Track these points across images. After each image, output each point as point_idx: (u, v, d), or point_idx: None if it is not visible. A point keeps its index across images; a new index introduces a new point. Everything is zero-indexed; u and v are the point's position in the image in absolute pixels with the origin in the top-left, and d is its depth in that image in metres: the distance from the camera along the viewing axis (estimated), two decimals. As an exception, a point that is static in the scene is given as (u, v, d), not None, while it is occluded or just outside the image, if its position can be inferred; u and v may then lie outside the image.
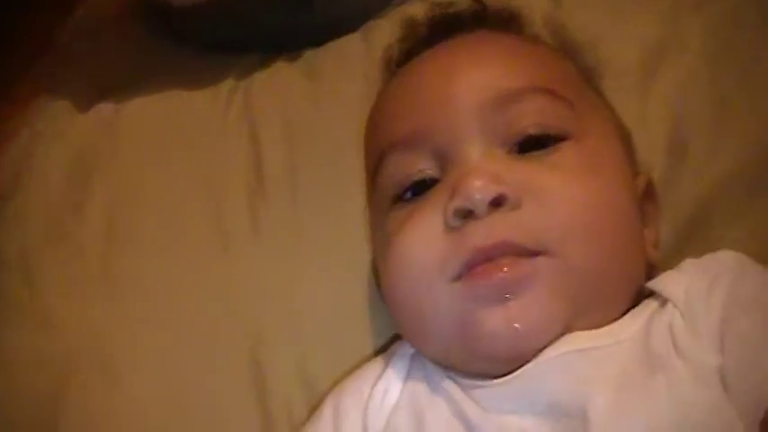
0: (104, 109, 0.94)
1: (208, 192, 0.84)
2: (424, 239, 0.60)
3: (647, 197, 0.67)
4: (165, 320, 0.78)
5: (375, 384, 0.65)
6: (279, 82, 0.92)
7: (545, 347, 0.57)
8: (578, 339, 0.57)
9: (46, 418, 0.75)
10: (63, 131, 0.93)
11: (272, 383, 0.74)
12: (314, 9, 0.95)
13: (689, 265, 0.62)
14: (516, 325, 0.56)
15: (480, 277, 0.57)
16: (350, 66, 0.89)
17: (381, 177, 0.67)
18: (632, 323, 0.59)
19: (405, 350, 0.67)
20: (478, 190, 0.57)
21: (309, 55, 0.94)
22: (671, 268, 0.63)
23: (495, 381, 0.58)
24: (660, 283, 0.60)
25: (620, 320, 0.59)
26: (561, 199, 0.58)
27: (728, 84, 0.73)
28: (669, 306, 0.58)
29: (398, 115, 0.68)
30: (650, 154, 0.72)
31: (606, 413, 0.52)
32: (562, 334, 0.57)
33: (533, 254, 0.57)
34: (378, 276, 0.70)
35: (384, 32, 0.88)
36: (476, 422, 0.57)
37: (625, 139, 0.70)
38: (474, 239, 0.57)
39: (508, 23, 0.76)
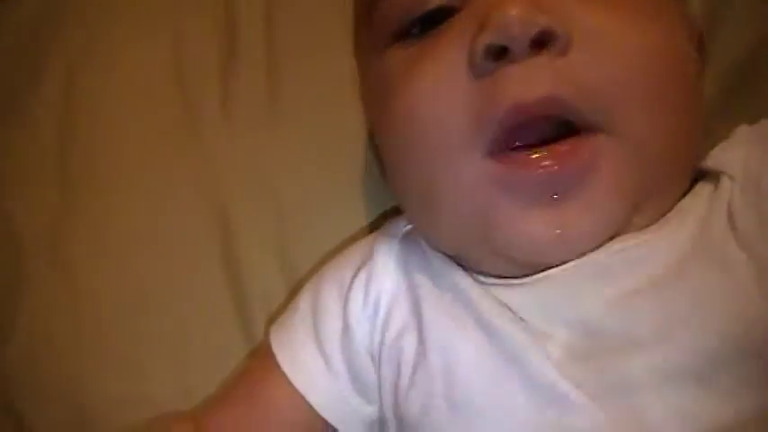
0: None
1: (176, 58, 0.75)
2: (443, 88, 0.47)
3: (697, 47, 0.55)
4: (127, 208, 0.70)
5: (358, 270, 0.56)
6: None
7: None
8: (621, 244, 0.47)
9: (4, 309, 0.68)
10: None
11: (248, 269, 0.67)
12: None
13: (745, 133, 0.51)
14: (562, 230, 0.45)
15: (529, 165, 0.45)
16: None
17: (381, 5, 0.54)
18: (681, 213, 0.48)
19: (396, 230, 0.58)
20: (518, 21, 0.44)
21: None
22: (719, 132, 0.53)
23: (518, 281, 0.48)
24: (713, 157, 0.50)
25: (668, 215, 0.49)
26: (624, 45, 0.45)
27: None
28: (725, 182, 0.48)
29: None
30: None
31: (653, 327, 0.44)
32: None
33: (589, 126, 0.45)
34: (375, 143, 0.60)
35: None
36: (497, 326, 0.47)
37: None
38: (512, 89, 0.45)
39: None
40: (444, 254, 0.53)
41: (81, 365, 0.66)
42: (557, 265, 0.47)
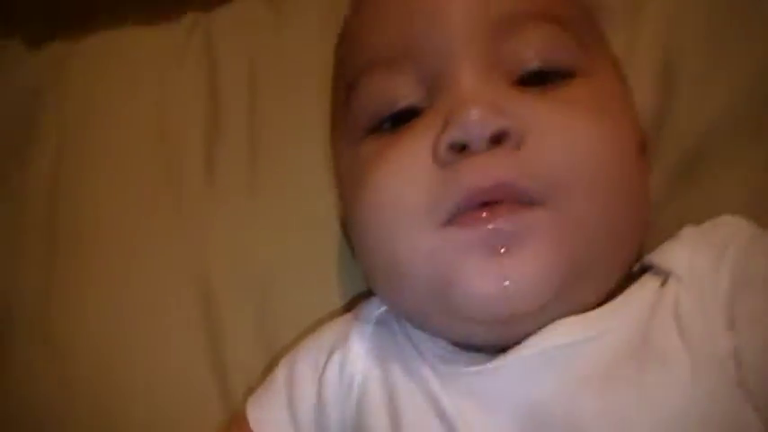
0: (57, 48, 0.88)
1: (162, 133, 0.79)
2: (409, 174, 0.52)
3: (640, 152, 0.59)
4: (110, 277, 0.73)
5: (332, 352, 0.59)
6: (239, 14, 0.85)
7: (530, 333, 0.51)
8: (566, 328, 0.50)
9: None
10: (14, 72, 0.87)
11: (229, 342, 0.70)
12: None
13: (690, 233, 0.55)
14: (507, 283, 0.48)
15: (474, 224, 0.49)
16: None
17: (356, 102, 0.58)
18: (628, 303, 0.52)
19: (369, 314, 0.61)
20: (478, 121, 0.49)
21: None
22: (664, 221, 0.57)
23: (474, 369, 0.51)
24: (660, 255, 0.54)
25: (615, 301, 0.52)
26: (570, 140, 0.50)
27: (721, 16, 0.66)
28: (672, 281, 0.51)
29: (380, 28, 0.57)
30: (639, 92, 0.64)
31: (596, 417, 0.46)
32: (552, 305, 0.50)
33: (534, 203, 0.49)
34: (345, 220, 0.64)
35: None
36: (450, 414, 0.50)
37: (624, 81, 0.62)
38: (470, 178, 0.49)
39: None
40: (411, 341, 0.57)
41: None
42: (512, 345, 0.50)
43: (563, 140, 0.50)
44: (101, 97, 0.82)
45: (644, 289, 0.52)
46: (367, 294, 0.65)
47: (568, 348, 0.49)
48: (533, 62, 0.53)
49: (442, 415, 0.51)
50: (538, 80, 0.53)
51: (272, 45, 0.80)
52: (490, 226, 0.49)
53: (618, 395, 0.47)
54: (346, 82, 0.60)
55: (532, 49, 0.53)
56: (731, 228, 0.53)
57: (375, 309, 0.61)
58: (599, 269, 0.51)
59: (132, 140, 0.79)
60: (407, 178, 0.52)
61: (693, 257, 0.51)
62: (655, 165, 0.62)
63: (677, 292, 0.50)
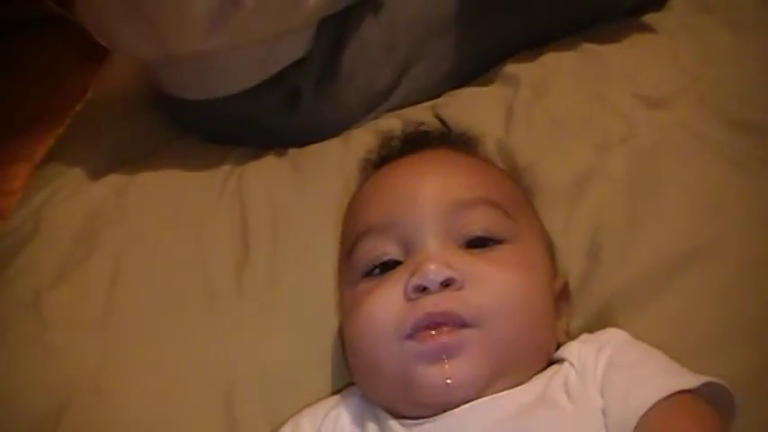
0: (116, 179, 1.10)
1: (200, 260, 0.99)
2: (387, 305, 0.74)
3: (562, 295, 0.84)
4: (151, 362, 0.91)
5: (329, 412, 0.80)
6: (268, 171, 1.09)
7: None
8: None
9: (47, 424, 0.86)
10: (77, 193, 1.09)
11: (243, 420, 0.86)
12: (301, 114, 1.13)
13: (584, 336, 0.79)
14: (448, 380, 0.71)
15: (426, 339, 0.72)
16: (331, 163, 1.06)
17: (356, 255, 0.80)
18: (537, 382, 0.75)
19: (356, 390, 0.82)
20: (433, 272, 0.72)
21: (295, 152, 1.12)
22: None
23: (428, 420, 0.73)
24: (563, 350, 0.78)
25: (530, 381, 0.75)
26: (495, 284, 0.73)
27: (640, 204, 0.90)
28: (566, 365, 0.75)
29: (374, 206, 0.82)
30: (571, 259, 0.89)
31: None
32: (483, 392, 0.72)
33: (468, 326, 0.72)
34: (342, 334, 0.85)
35: (361, 139, 1.07)
36: None
37: (550, 247, 0.87)
38: (425, 306, 0.72)
39: (467, 144, 0.95)
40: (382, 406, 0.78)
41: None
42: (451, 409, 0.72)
43: (490, 286, 0.73)
44: (152, 225, 1.04)
45: (548, 372, 0.76)
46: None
47: (492, 399, 0.72)
48: (477, 232, 0.77)
49: None
50: (480, 243, 0.77)
51: (293, 199, 1.03)
52: (436, 341, 0.71)
53: (522, 425, 0.70)
54: (350, 241, 0.84)
55: (477, 224, 0.77)
56: (612, 334, 0.78)
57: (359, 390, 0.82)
58: (516, 369, 0.74)
59: (175, 264, 0.98)
60: (385, 308, 0.75)
61: (581, 350, 0.75)
62: (577, 314, 0.85)
63: (568, 370, 0.74)
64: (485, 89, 1.13)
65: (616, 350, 0.74)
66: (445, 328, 0.72)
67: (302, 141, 1.13)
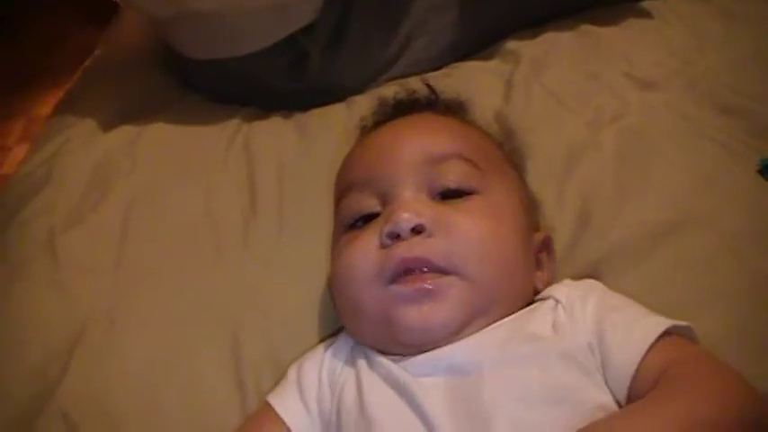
0: (126, 131, 1.15)
1: (209, 211, 1.04)
2: (365, 252, 0.79)
3: (544, 248, 0.89)
4: (161, 300, 0.95)
5: (325, 354, 0.85)
6: (274, 131, 1.14)
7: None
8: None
9: (61, 357, 0.91)
10: (89, 143, 1.14)
11: (247, 362, 0.91)
12: (309, 78, 1.18)
13: (569, 281, 0.85)
14: (426, 320, 0.76)
15: (407, 282, 0.76)
16: (334, 126, 1.10)
17: (341, 209, 0.87)
18: (520, 317, 0.80)
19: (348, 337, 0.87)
20: (404, 220, 0.77)
21: (300, 115, 1.17)
22: None
23: (414, 357, 0.78)
24: (551, 290, 0.83)
25: (513, 316, 0.80)
26: (464, 232, 0.78)
27: (629, 177, 0.96)
28: (552, 302, 0.80)
29: (358, 165, 0.88)
30: (561, 224, 0.94)
31: (493, 361, 0.74)
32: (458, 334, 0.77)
33: (446, 272, 0.77)
34: (330, 283, 0.89)
35: (363, 105, 1.12)
36: (402, 381, 0.76)
37: (527, 203, 0.90)
38: (398, 253, 0.76)
39: (452, 110, 0.99)
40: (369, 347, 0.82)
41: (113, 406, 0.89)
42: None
43: (458, 233, 0.78)
44: (163, 176, 1.08)
45: (532, 306, 0.81)
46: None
47: (476, 336, 0.77)
48: (448, 184, 0.81)
49: (393, 382, 0.76)
50: (452, 195, 0.81)
51: (298, 158, 1.08)
52: (418, 285, 0.76)
53: (506, 351, 0.75)
54: (337, 196, 0.90)
55: (448, 176, 0.82)
56: (592, 284, 0.84)
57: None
58: (491, 312, 0.78)
59: (184, 213, 1.03)
60: (363, 255, 0.80)
61: (569, 292, 0.81)
62: (565, 274, 0.90)
63: (556, 307, 0.79)
64: (485, 63, 1.18)
65: (603, 295, 0.80)
66: (428, 274, 0.77)
67: (308, 104, 1.18)
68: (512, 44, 1.19)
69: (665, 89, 1.07)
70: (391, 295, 0.77)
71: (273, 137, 1.12)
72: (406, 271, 0.77)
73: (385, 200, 0.83)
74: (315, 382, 0.83)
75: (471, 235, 0.79)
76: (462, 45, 1.21)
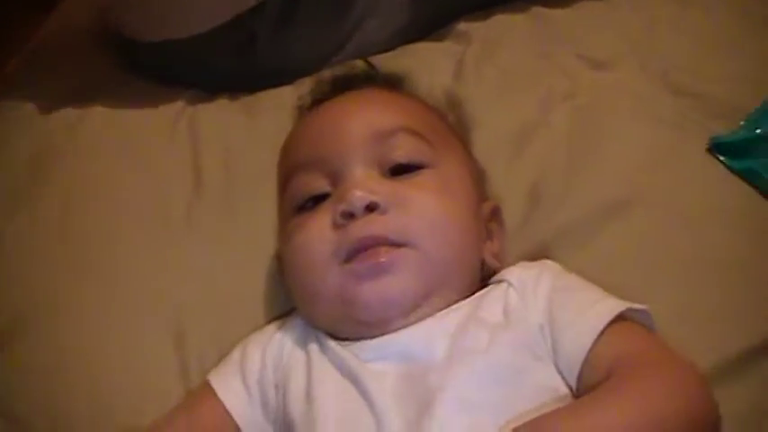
0: (67, 115, 1.12)
1: (152, 194, 1.02)
2: (318, 234, 0.78)
3: (493, 218, 0.88)
4: (105, 284, 0.94)
5: (273, 336, 0.83)
6: (220, 113, 1.12)
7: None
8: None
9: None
10: (30, 127, 1.11)
11: (191, 345, 0.89)
12: (258, 59, 1.16)
13: (523, 263, 0.84)
14: (382, 296, 0.75)
15: (363, 260, 0.75)
16: (282, 108, 1.06)
17: (288, 192, 0.84)
18: (472, 301, 0.79)
19: (299, 316, 0.85)
20: (358, 198, 0.75)
21: (247, 97, 1.14)
22: None
23: (367, 340, 0.76)
24: (504, 273, 0.81)
25: (465, 300, 0.79)
26: (418, 206, 0.77)
27: (579, 155, 0.95)
28: (505, 285, 0.79)
29: (302, 145, 0.86)
30: (513, 201, 0.93)
31: (445, 349, 0.73)
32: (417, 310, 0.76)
33: (399, 245, 0.76)
34: (280, 265, 0.88)
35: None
36: (352, 367, 0.74)
37: (475, 174, 0.89)
38: (354, 232, 0.75)
39: (393, 84, 0.97)
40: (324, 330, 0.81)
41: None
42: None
43: (412, 208, 0.77)
44: (105, 160, 1.06)
45: (485, 290, 0.80)
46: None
47: (432, 319, 0.76)
48: (398, 159, 0.80)
49: (343, 367, 0.75)
50: (402, 170, 0.80)
51: (245, 140, 1.06)
52: (372, 261, 0.75)
53: (457, 338, 0.73)
54: (283, 179, 0.87)
55: (398, 151, 0.80)
56: (547, 264, 0.82)
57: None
58: (446, 287, 0.77)
59: (128, 194, 1.01)
60: (317, 237, 0.78)
61: (522, 273, 0.79)
62: (515, 250, 0.89)
63: (508, 290, 0.78)
64: (437, 44, 1.16)
65: (556, 276, 0.79)
66: (383, 249, 0.75)
67: (256, 87, 1.15)
68: (463, 26, 1.17)
69: (616, 69, 1.06)
70: (348, 274, 0.76)
71: (220, 119, 1.10)
72: (362, 249, 0.75)
73: (335, 179, 0.81)
74: (258, 365, 0.81)
75: (425, 210, 0.78)
76: (414, 27, 1.19)
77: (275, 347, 0.82)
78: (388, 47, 1.18)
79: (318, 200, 0.82)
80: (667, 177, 0.92)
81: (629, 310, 0.72)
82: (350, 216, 0.77)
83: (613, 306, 0.72)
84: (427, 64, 1.09)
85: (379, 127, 0.82)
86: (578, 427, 0.63)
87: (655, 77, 1.04)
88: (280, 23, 1.15)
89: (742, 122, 0.95)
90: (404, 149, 0.81)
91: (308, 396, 0.74)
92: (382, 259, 0.75)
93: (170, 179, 1.03)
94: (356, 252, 0.76)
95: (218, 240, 0.96)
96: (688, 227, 0.88)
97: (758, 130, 0.94)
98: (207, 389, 0.81)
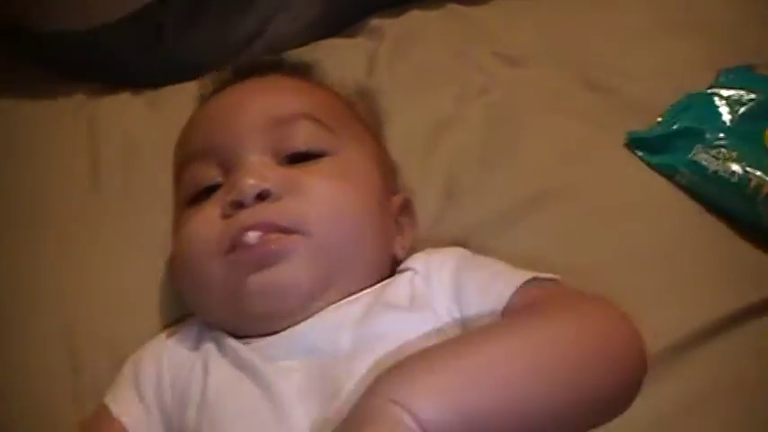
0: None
1: (47, 189, 0.96)
2: (206, 225, 0.74)
3: (403, 212, 0.85)
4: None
5: (167, 341, 0.78)
6: (122, 107, 1.06)
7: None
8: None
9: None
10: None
11: (83, 346, 0.84)
12: (164, 53, 1.11)
13: (429, 250, 0.80)
14: (272, 284, 0.71)
15: (246, 250, 0.71)
16: (187, 103, 1.01)
17: (182, 183, 0.81)
18: (375, 290, 0.75)
19: (193, 321, 0.80)
20: (249, 186, 0.72)
21: (151, 92, 1.09)
22: None
23: (270, 337, 0.72)
24: (409, 261, 0.78)
25: (368, 289, 0.75)
26: (312, 192, 0.73)
27: (494, 149, 0.93)
28: (410, 273, 0.76)
29: (196, 134, 0.83)
30: (428, 196, 0.90)
31: (351, 340, 0.69)
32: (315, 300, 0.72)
33: (291, 232, 0.72)
34: (171, 264, 0.83)
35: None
36: (255, 366, 0.70)
37: (385, 166, 0.87)
38: (242, 220, 0.71)
39: (300, 71, 0.94)
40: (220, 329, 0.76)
41: None
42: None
43: (308, 195, 0.73)
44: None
45: (392, 279, 0.76)
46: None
47: (333, 308, 0.72)
48: (297, 146, 0.77)
49: (245, 367, 0.70)
50: (301, 158, 0.76)
51: (147, 134, 1.00)
52: (256, 250, 0.71)
53: (364, 327, 0.70)
54: (176, 170, 0.84)
55: (296, 138, 0.77)
56: (454, 249, 0.79)
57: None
58: (346, 278, 0.74)
59: (21, 191, 0.96)
60: (205, 228, 0.74)
61: (428, 259, 0.76)
62: (432, 239, 0.86)
63: (412, 276, 0.75)
64: (349, 40, 1.13)
65: (461, 257, 0.76)
66: (273, 236, 0.71)
67: (161, 82, 1.10)
68: (376, 22, 1.14)
69: (533, 66, 1.04)
70: (234, 265, 0.71)
71: (121, 113, 1.04)
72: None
73: (228, 168, 0.77)
74: (153, 378, 0.75)
75: (320, 194, 0.74)
76: (326, 21, 1.15)
77: (170, 355, 0.76)
78: (300, 42, 1.13)
79: (212, 191, 0.77)
80: (584, 171, 0.91)
81: (538, 279, 0.70)
82: (240, 206, 0.72)
83: (522, 275, 0.70)
84: (338, 59, 1.05)
85: (276, 113, 0.78)
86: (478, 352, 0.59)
87: (571, 74, 1.03)
88: (188, 15, 1.10)
89: (659, 119, 0.95)
90: (303, 136, 0.78)
91: (206, 401, 0.69)
92: (271, 247, 0.71)
93: (66, 174, 0.97)
94: (240, 240, 0.71)
95: (113, 237, 0.92)
96: (605, 220, 0.86)
97: (675, 126, 0.93)
98: (102, 410, 0.76)
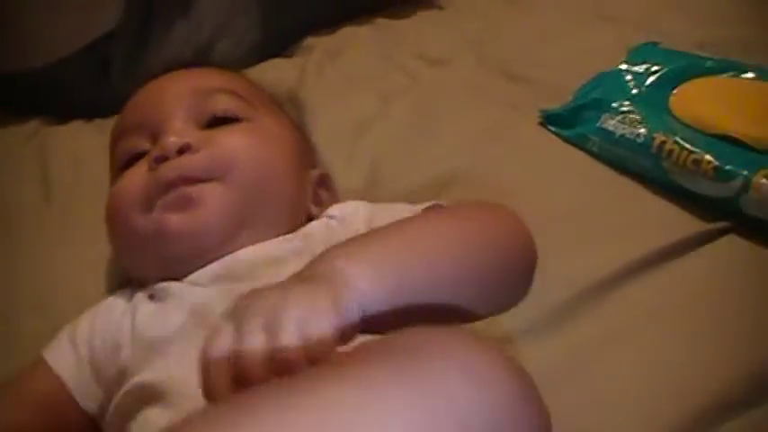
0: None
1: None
2: (133, 181, 0.80)
3: (322, 185, 0.90)
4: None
5: (104, 302, 0.83)
6: (73, 134, 1.14)
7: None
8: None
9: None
10: None
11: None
12: (112, 85, 1.17)
13: (347, 201, 0.86)
14: (190, 224, 0.76)
15: (168, 195, 0.77)
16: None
17: (115, 155, 0.87)
18: (291, 236, 0.81)
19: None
20: (171, 143, 0.79)
21: (101, 121, 1.15)
22: None
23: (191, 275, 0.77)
24: (328, 211, 0.84)
25: (284, 236, 0.81)
26: (227, 144, 0.80)
27: (415, 138, 0.99)
28: (325, 220, 0.82)
29: (127, 113, 0.89)
30: (354, 182, 0.96)
31: (266, 269, 0.75)
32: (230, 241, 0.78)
33: (208, 180, 0.78)
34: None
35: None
36: (180, 293, 0.76)
37: (301, 140, 0.93)
38: (164, 171, 0.78)
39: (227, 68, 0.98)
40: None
41: None
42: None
43: (223, 144, 0.80)
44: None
45: (309, 225, 0.82)
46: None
47: (252, 246, 0.78)
48: (216, 112, 0.83)
49: (163, 297, 0.76)
50: (220, 122, 0.83)
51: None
52: (176, 193, 0.76)
53: (278, 266, 0.74)
54: (111, 148, 0.89)
55: (216, 106, 0.84)
56: (364, 202, 0.84)
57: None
58: (261, 223, 0.79)
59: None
60: (131, 183, 0.80)
61: (342, 207, 0.83)
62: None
63: (328, 222, 0.81)
64: (284, 60, 1.21)
65: (374, 205, 0.83)
66: (192, 186, 0.77)
67: (109, 114, 1.15)
68: (310, 40, 1.22)
69: (455, 65, 1.11)
70: (157, 209, 0.78)
71: (72, 139, 1.11)
72: (171, 186, 0.78)
73: (156, 137, 0.83)
74: (86, 332, 0.80)
75: (234, 145, 0.81)
76: (265, 45, 1.23)
77: (103, 311, 0.82)
78: (242, 66, 1.20)
79: (140, 157, 0.83)
80: (499, 148, 0.96)
81: (440, 205, 0.78)
82: (164, 160, 0.79)
83: (427, 203, 0.78)
84: (270, 76, 1.11)
85: (198, 86, 0.86)
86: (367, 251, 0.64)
87: (491, 69, 1.10)
88: (133, 49, 1.18)
89: (571, 97, 1.00)
90: (223, 104, 0.85)
91: (136, 334, 0.75)
92: (189, 190, 0.77)
93: (18, 191, 1.03)
94: (166, 189, 0.78)
95: (59, 250, 0.96)
96: (519, 193, 0.89)
97: (584, 100, 0.98)
98: (38, 360, 0.80)
